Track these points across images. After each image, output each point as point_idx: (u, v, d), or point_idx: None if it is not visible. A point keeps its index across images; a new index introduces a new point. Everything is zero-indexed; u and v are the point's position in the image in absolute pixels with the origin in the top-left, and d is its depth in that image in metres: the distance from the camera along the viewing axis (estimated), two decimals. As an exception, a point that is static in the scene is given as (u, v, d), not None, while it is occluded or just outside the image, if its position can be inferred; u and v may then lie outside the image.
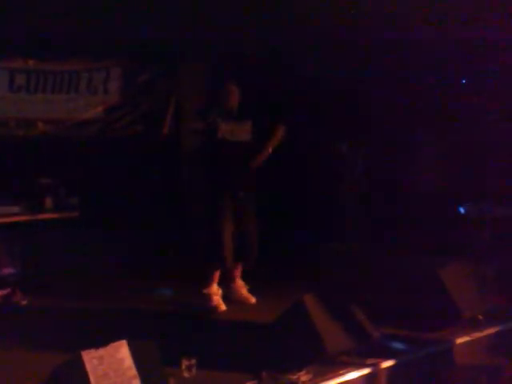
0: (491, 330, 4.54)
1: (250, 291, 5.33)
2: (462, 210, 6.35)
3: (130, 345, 3.29)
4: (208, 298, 5.11)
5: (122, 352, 3.26)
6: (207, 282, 5.13)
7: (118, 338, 3.29)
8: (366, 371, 3.87)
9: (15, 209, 5.97)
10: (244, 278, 5.37)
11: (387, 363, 3.97)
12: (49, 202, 6.19)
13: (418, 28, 5.75)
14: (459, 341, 4.36)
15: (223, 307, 5.08)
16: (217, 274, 5.16)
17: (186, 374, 3.72)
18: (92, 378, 3.11)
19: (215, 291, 5.14)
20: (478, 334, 4.46)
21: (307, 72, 6.84)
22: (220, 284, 5.22)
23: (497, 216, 6.10)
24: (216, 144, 4.99)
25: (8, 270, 5.74)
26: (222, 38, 6.24)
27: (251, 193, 5.15)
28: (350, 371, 3.83)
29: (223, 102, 5.02)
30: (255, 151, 5.06)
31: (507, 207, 6.09)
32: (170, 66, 7.23)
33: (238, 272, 5.34)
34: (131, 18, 5.60)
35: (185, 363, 3.73)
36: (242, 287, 5.33)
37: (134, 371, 3.23)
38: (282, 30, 6.04)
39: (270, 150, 5.10)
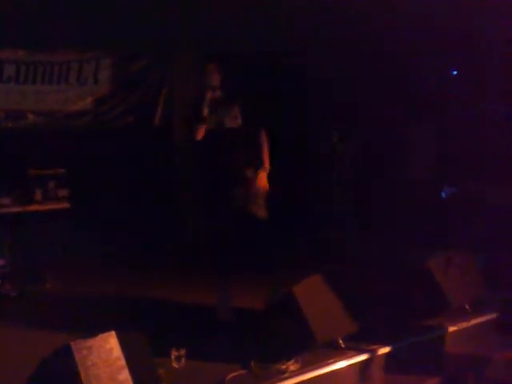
0: (478, 320, 4.59)
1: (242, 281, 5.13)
2: (443, 195, 6.38)
3: (118, 335, 3.29)
4: None
5: (110, 342, 3.27)
6: None
7: (107, 328, 3.30)
8: (354, 360, 3.90)
9: (5, 200, 5.95)
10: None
11: (374, 352, 4.00)
12: (38, 193, 6.17)
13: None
14: (446, 330, 4.40)
15: None
16: None
17: (175, 365, 3.73)
18: (81, 369, 3.11)
19: None
20: (464, 324, 4.50)
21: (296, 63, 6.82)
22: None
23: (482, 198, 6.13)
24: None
25: (-3, 262, 5.73)
26: (214, 32, 6.21)
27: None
28: (338, 360, 3.86)
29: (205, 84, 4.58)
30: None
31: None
32: (162, 57, 7.20)
33: None
34: (122, 8, 5.58)
35: (174, 354, 3.75)
36: None
37: (122, 362, 3.23)
38: (271, 24, 6.03)
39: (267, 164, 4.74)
